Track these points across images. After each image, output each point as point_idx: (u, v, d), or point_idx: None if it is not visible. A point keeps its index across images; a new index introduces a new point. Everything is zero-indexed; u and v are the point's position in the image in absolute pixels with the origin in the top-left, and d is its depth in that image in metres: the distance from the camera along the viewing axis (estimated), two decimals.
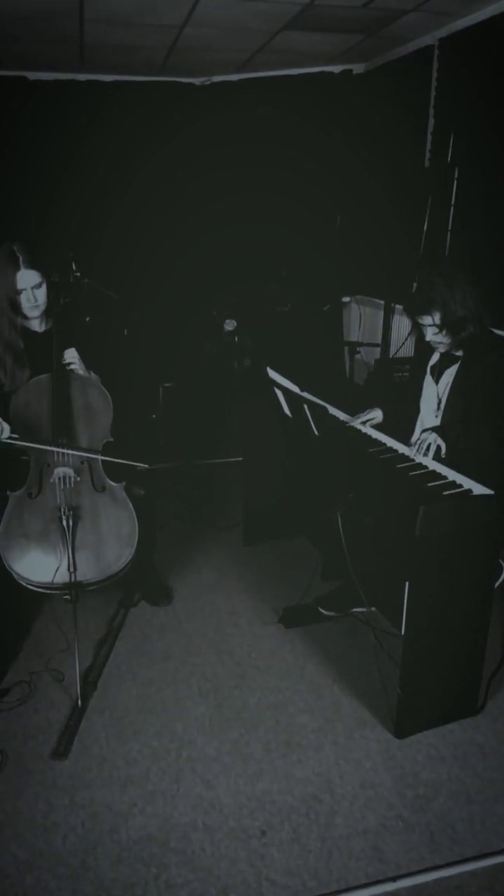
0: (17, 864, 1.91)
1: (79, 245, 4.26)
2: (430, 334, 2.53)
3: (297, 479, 3.39)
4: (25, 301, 2.59)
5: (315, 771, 2.22)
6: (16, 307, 2.59)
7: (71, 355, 2.64)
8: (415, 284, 2.74)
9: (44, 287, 2.61)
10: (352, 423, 2.79)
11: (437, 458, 2.45)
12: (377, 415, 2.82)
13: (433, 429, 2.52)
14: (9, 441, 2.46)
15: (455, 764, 2.24)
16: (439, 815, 2.06)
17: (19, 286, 2.55)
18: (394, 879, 1.87)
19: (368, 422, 2.80)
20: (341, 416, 2.85)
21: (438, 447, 2.45)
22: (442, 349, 2.60)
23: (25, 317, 2.65)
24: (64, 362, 2.62)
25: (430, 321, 2.49)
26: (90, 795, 2.12)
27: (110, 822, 2.04)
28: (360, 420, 2.80)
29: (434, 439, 2.45)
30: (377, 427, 2.78)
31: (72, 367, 2.63)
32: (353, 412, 2.86)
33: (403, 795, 2.13)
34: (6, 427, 2.46)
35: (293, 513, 3.53)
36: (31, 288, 2.57)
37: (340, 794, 2.13)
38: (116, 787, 2.15)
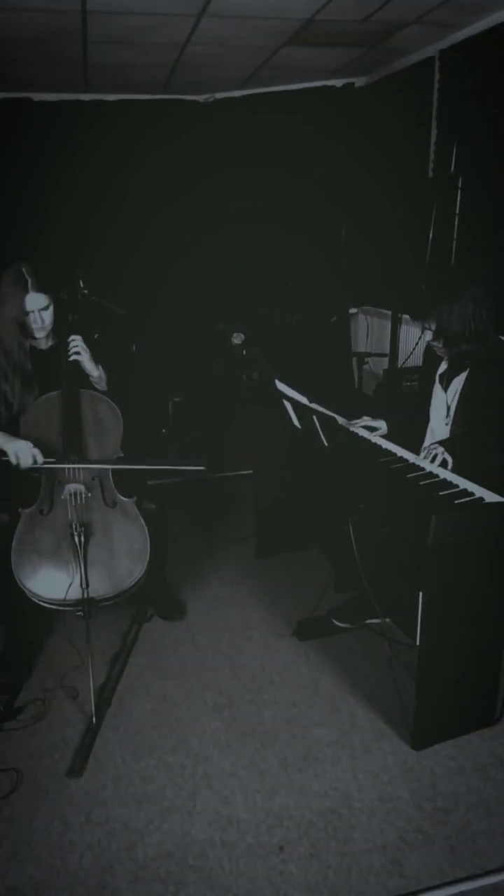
0: (33, 884, 1.90)
1: (86, 262, 4.29)
2: (429, 337, 2.60)
3: (307, 490, 3.38)
4: (32, 323, 2.62)
5: (332, 785, 2.20)
6: (24, 329, 2.62)
7: (75, 344, 2.65)
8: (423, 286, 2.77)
9: (51, 309, 2.64)
10: (352, 428, 2.80)
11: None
12: (380, 425, 2.83)
13: (441, 442, 2.52)
14: (44, 465, 2.51)
15: (474, 775, 2.21)
16: (459, 828, 2.04)
17: (27, 308, 2.58)
18: (415, 894, 1.84)
19: (374, 432, 2.81)
20: (339, 420, 2.85)
21: (445, 460, 2.44)
22: (440, 353, 2.64)
23: (33, 336, 2.67)
24: (69, 351, 2.64)
25: (428, 326, 2.55)
26: (106, 813, 2.11)
27: (127, 839, 2.03)
28: (359, 425, 2.81)
29: (441, 452, 2.45)
30: (383, 438, 2.78)
31: (77, 357, 2.65)
32: None
33: (422, 808, 2.10)
34: (38, 452, 2.50)
35: (305, 525, 3.52)
36: (38, 310, 2.60)
37: (358, 808, 2.11)
38: (133, 805, 2.14)
